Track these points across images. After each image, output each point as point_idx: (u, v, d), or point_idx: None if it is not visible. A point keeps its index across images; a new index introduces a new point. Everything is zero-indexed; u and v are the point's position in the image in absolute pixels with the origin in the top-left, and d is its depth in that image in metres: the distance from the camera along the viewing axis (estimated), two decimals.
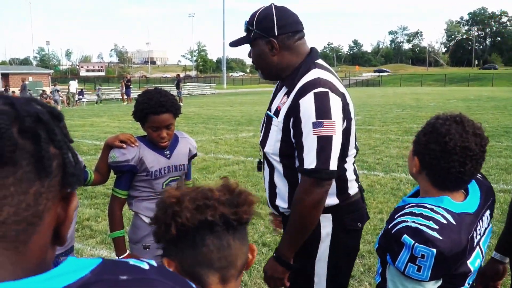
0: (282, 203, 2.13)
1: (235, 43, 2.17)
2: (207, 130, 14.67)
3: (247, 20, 2.10)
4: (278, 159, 2.07)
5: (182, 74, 56.84)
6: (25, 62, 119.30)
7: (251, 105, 26.80)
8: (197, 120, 17.90)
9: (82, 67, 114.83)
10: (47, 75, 44.26)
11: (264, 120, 2.22)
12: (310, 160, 1.86)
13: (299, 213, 1.93)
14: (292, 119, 1.94)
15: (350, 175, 2.12)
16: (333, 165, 1.88)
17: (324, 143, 1.85)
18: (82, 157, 10.54)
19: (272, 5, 2.07)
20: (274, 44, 2.03)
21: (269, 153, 2.09)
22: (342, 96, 1.97)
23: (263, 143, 2.16)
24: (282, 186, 2.11)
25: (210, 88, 50.99)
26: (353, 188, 2.14)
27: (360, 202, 2.19)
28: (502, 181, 7.36)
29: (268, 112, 2.17)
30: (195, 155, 2.84)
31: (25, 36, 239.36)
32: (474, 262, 1.53)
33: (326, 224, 2.05)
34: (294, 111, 1.92)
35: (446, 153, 1.47)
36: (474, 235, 1.52)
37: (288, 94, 2.03)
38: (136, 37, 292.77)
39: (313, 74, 1.98)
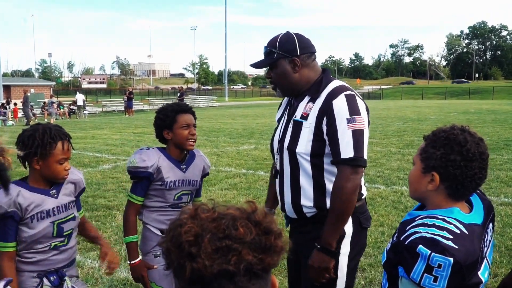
0: (308, 202, 2.31)
1: (258, 65, 2.39)
2: (208, 142, 14.69)
3: (267, 44, 2.36)
4: (308, 158, 2.27)
5: (184, 87, 56.90)
6: (27, 74, 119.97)
7: (253, 117, 26.86)
8: (199, 133, 17.80)
9: (84, 79, 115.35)
10: (49, 87, 44.42)
11: (289, 127, 2.38)
12: (347, 151, 2.13)
13: (340, 200, 2.15)
14: (325, 118, 2.20)
15: (362, 178, 2.33)
16: (365, 155, 2.19)
17: (357, 136, 2.15)
18: (83, 169, 10.48)
19: (289, 31, 2.37)
20: (297, 62, 2.31)
21: (301, 152, 2.28)
22: (363, 101, 2.30)
23: (292, 145, 2.32)
24: (307, 187, 2.30)
25: (212, 100, 51.13)
26: (364, 190, 2.39)
27: (366, 205, 2.46)
28: (503, 194, 7.36)
29: (295, 118, 2.35)
30: (208, 173, 2.94)
31: (27, 48, 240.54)
32: (484, 273, 1.53)
33: (348, 222, 2.28)
34: (327, 111, 2.19)
35: (468, 161, 1.50)
36: (482, 246, 1.53)
37: (313, 101, 2.29)
38: (138, 50, 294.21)
39: (336, 83, 2.31)
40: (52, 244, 2.32)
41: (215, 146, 13.60)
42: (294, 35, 2.34)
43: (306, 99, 2.33)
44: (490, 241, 1.66)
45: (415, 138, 14.95)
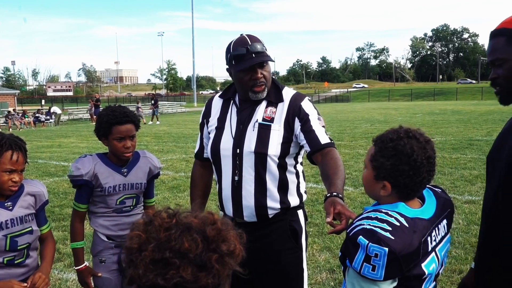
0: (274, 203, 2.37)
1: (271, 60, 2.39)
2: (177, 148, 14.61)
3: (258, 41, 2.33)
4: (277, 160, 2.34)
5: (152, 93, 56.41)
6: None
7: None
8: (167, 139, 17.79)
9: (49, 87, 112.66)
10: (13, 96, 43.37)
11: (247, 131, 2.36)
12: (325, 139, 2.32)
13: (341, 163, 2.25)
14: (296, 118, 2.34)
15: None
16: None
17: (325, 130, 2.39)
18: (49, 178, 10.22)
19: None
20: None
21: (272, 155, 2.33)
22: None
23: (261, 148, 2.32)
24: (273, 188, 2.36)
25: (180, 106, 50.85)
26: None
27: None
28: (467, 193, 7.54)
29: (260, 122, 2.36)
30: (158, 174, 2.89)
31: None
32: (429, 266, 1.59)
33: (302, 217, 2.47)
34: (298, 111, 2.35)
35: (416, 169, 1.57)
36: (429, 240, 1.60)
37: (273, 105, 2.38)
38: (104, 56, 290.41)
39: (290, 89, 2.48)
40: (5, 259, 2.22)
41: (184, 152, 13.53)
42: None
43: (264, 103, 2.40)
44: (444, 237, 1.72)
45: None
